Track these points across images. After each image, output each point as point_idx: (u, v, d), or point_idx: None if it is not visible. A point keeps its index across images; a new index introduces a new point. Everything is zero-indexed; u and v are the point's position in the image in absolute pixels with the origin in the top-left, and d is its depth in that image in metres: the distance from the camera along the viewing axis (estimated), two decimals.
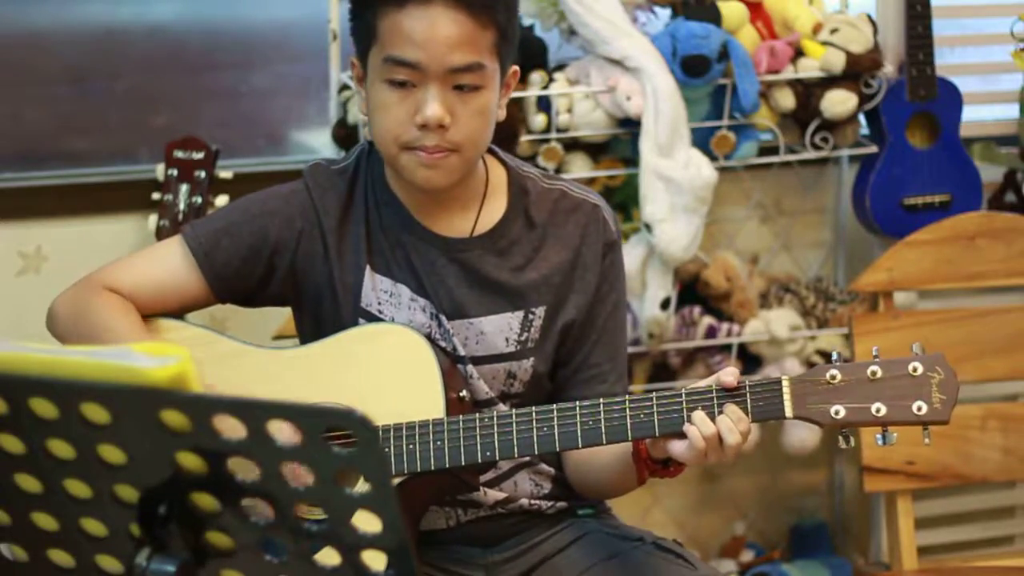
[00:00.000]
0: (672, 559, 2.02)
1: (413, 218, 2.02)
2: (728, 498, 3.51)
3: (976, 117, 3.44)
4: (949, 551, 3.48)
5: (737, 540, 3.49)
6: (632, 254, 3.00)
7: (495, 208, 2.04)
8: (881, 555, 3.43)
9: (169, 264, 2.02)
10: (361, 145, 2.08)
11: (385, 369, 1.95)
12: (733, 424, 1.82)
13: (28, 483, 1.33)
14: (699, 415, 1.82)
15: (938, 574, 2.87)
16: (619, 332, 2.10)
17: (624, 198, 3.13)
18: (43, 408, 1.26)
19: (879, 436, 1.85)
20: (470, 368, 2.01)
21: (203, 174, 2.83)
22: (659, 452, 1.89)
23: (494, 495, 2.05)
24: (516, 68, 2.01)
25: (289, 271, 2.02)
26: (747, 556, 3.44)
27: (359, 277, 2.01)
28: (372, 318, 2.01)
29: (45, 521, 1.35)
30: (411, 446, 1.89)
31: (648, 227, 2.97)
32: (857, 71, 3.09)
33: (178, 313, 2.04)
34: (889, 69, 3.19)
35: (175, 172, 2.84)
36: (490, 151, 2.06)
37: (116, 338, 1.93)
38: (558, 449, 1.90)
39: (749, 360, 3.26)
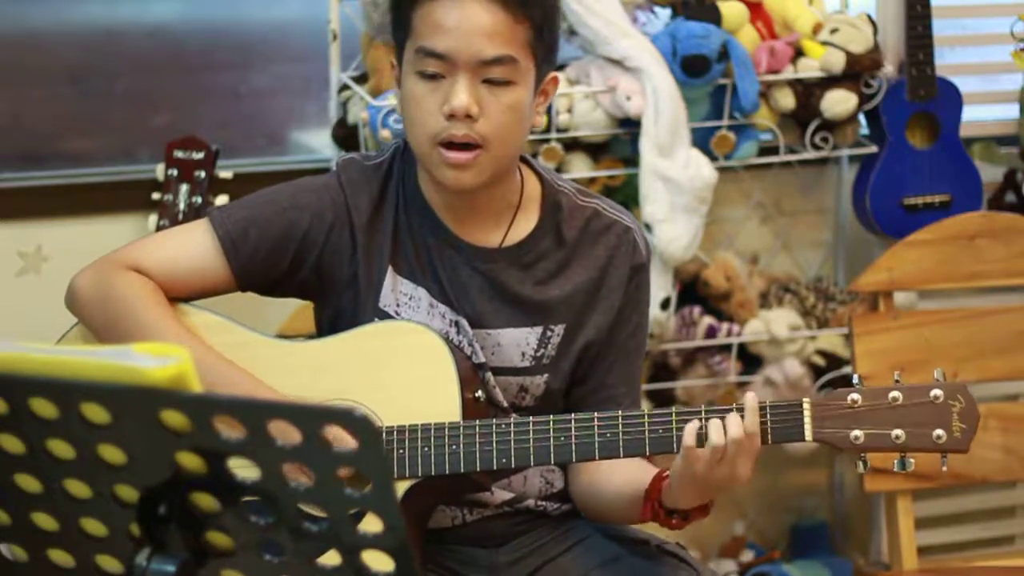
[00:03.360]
0: (675, 563, 2.02)
1: (442, 223, 2.00)
2: (728, 498, 3.51)
3: (976, 117, 3.44)
4: (949, 551, 3.48)
5: (737, 540, 3.48)
6: None
7: (527, 221, 2.02)
8: (881, 555, 3.43)
9: (196, 250, 1.99)
10: (396, 142, 2.06)
11: (402, 367, 1.93)
12: (721, 424, 1.79)
13: (28, 483, 1.33)
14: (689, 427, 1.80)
15: (938, 574, 2.86)
16: (636, 355, 2.08)
17: (624, 198, 3.12)
18: (43, 408, 1.26)
19: (897, 461, 1.84)
20: (488, 376, 2.00)
21: (203, 174, 2.82)
22: (671, 500, 1.87)
23: (501, 495, 2.04)
24: (556, 75, 1.98)
25: (316, 265, 1.99)
26: (747, 556, 3.44)
27: (381, 277, 1.99)
28: (389, 320, 1.99)
29: (45, 521, 1.35)
30: (426, 449, 1.88)
31: (648, 227, 2.97)
32: (857, 71, 3.09)
33: (198, 298, 2.01)
34: (889, 69, 3.18)
35: (175, 172, 2.83)
36: (527, 163, 2.04)
37: (148, 326, 1.91)
38: (574, 460, 1.89)
39: (749, 360, 3.25)
